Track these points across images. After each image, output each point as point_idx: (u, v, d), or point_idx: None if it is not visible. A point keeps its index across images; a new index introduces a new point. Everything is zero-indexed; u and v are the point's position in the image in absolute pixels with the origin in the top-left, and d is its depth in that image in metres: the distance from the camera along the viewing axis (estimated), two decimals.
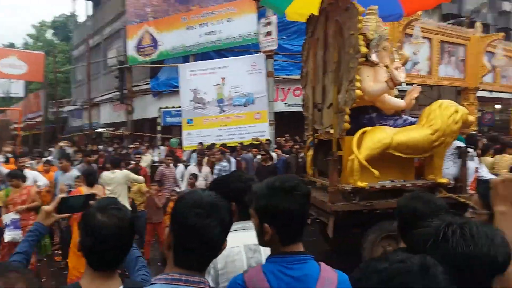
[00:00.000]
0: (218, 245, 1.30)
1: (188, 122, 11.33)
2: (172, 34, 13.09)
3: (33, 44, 31.94)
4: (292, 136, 10.77)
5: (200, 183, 7.28)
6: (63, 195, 1.95)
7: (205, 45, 12.46)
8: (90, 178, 5.21)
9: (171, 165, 8.09)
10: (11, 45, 36.22)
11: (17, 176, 5.45)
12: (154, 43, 13.57)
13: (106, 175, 6.07)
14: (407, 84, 8.40)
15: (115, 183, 5.90)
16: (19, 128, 11.64)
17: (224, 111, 11.04)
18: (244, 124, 10.82)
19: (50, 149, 16.55)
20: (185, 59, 12.90)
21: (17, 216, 5.24)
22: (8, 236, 5.11)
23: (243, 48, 12.00)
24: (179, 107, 11.76)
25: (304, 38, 6.18)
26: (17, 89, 29.76)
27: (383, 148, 4.80)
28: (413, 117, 5.77)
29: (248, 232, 1.65)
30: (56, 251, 6.31)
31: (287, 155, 8.58)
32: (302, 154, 7.75)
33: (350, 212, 4.83)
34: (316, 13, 5.55)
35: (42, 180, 6.46)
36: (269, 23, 10.47)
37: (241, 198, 1.65)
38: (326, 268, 1.47)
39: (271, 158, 7.81)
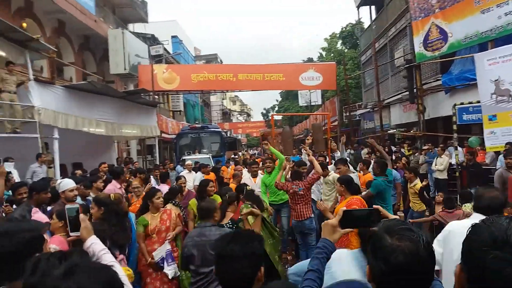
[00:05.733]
0: None
1: (490, 119, 9.98)
2: (463, 22, 11.88)
3: (326, 56, 35.61)
4: None
5: None
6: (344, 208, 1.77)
7: (506, 28, 10.69)
8: (351, 186, 4.81)
9: None
10: (310, 60, 41.84)
11: None
12: (443, 35, 12.68)
13: None
14: None
15: None
16: (329, 130, 13.11)
17: None
18: None
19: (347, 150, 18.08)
20: (482, 47, 11.45)
21: None
22: None
23: None
24: (478, 102, 10.50)
25: None
26: (315, 97, 34.27)
27: None
28: None
29: None
30: None
31: None
32: None
33: None
34: None
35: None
36: None
37: None
38: None
39: None
